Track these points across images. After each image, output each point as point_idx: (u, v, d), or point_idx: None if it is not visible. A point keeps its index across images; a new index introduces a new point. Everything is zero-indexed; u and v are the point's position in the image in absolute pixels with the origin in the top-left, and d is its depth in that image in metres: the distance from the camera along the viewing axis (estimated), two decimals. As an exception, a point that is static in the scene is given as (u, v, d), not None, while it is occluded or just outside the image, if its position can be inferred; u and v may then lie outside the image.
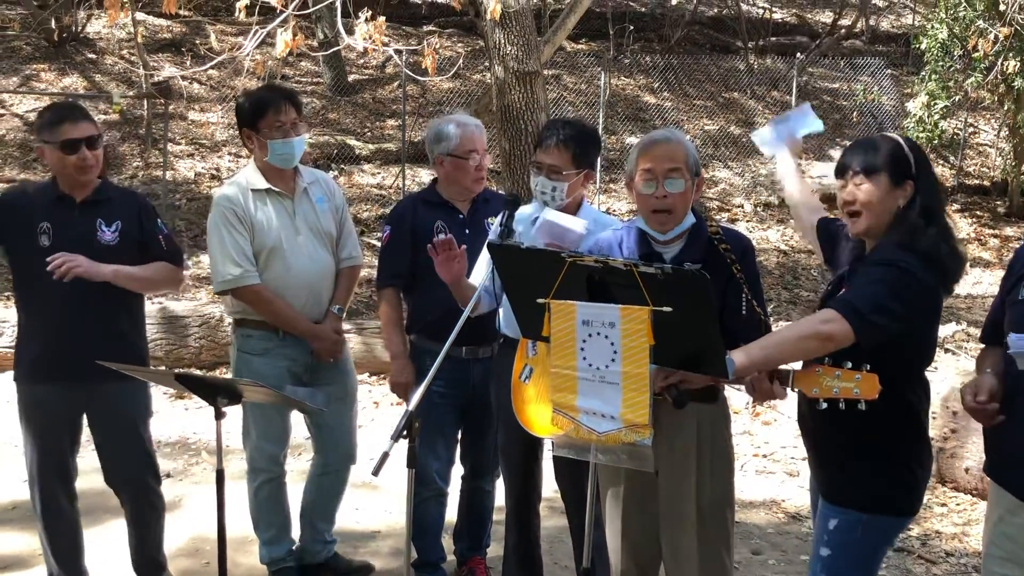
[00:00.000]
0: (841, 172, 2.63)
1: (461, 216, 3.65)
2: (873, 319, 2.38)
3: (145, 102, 11.58)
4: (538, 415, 2.93)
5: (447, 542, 3.96)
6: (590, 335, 2.27)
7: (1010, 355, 2.33)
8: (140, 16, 11.85)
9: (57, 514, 3.50)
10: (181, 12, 11.27)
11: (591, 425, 2.35)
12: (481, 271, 3.34)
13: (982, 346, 2.75)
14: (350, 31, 6.89)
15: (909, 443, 2.60)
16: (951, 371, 5.89)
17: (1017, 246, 12.88)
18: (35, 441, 3.43)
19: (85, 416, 3.48)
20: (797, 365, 2.53)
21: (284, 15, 6.32)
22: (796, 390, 2.44)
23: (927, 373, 2.69)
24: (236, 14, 5.94)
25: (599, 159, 12.15)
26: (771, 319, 3.10)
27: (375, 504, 4.72)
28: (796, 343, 2.42)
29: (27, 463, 3.49)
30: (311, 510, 3.87)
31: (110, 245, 3.35)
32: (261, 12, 6.95)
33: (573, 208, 3.33)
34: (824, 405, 2.37)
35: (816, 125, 3.28)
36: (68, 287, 3.20)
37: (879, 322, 2.39)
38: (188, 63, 8.67)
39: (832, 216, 2.98)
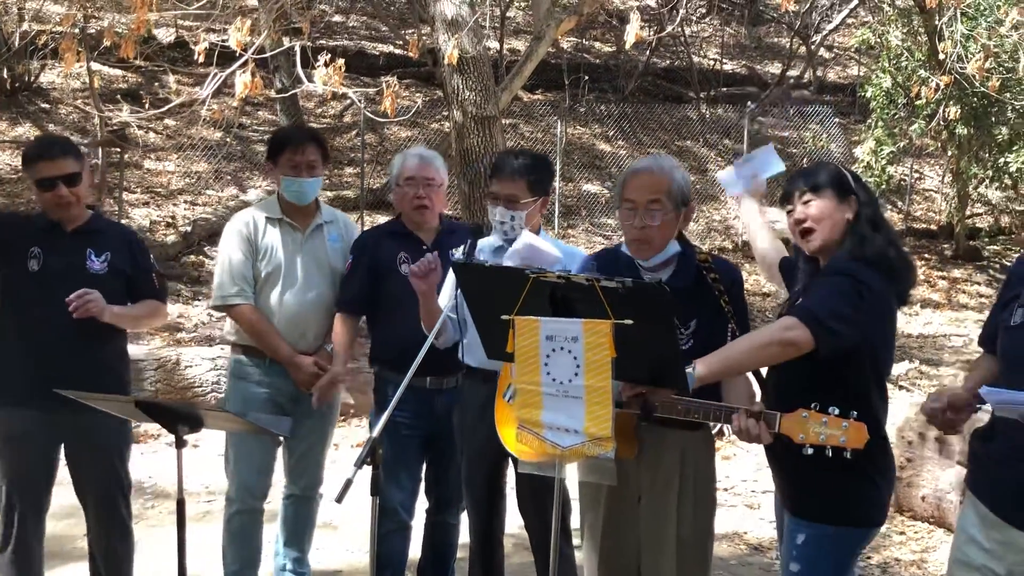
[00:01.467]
0: (788, 198, 2.72)
1: (425, 247, 3.66)
2: (832, 326, 2.44)
3: (100, 150, 11.50)
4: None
5: (411, 578, 3.92)
6: (553, 350, 2.30)
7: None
8: (96, 66, 11.82)
9: (25, 554, 3.40)
10: (137, 61, 11.27)
11: (555, 440, 2.37)
12: (444, 299, 3.36)
13: (955, 367, 2.78)
14: (309, 79, 6.96)
15: (873, 454, 2.59)
16: (905, 404, 5.99)
17: (968, 284, 13.04)
18: (10, 473, 3.36)
19: (62, 449, 3.44)
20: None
21: (244, 59, 6.36)
22: (782, 434, 2.43)
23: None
24: (196, 57, 5.96)
25: (557, 205, 12.32)
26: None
27: (336, 544, 4.66)
28: (758, 350, 2.48)
29: None
30: (280, 539, 3.87)
31: (98, 275, 3.36)
32: (219, 61, 6.99)
33: None
34: (810, 451, 2.38)
35: (779, 167, 3.36)
36: (59, 314, 3.21)
37: (837, 329, 2.44)
38: (147, 107, 8.67)
39: (790, 256, 3.06)
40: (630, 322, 2.22)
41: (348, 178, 12.98)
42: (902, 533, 5.02)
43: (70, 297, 3.19)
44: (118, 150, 11.28)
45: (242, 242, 3.65)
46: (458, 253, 3.36)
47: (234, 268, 3.64)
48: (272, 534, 3.92)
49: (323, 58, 6.24)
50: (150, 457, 5.97)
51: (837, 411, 2.35)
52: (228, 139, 12.66)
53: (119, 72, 14.02)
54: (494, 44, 15.13)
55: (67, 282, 3.27)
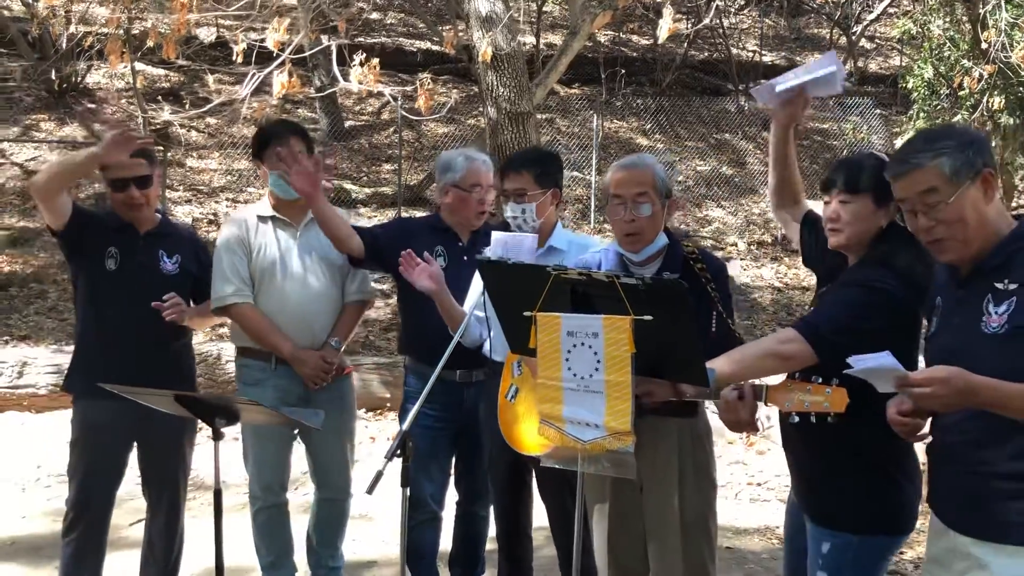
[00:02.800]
0: (827, 187, 2.67)
1: (461, 244, 3.71)
2: (833, 340, 2.43)
3: (144, 149, 11.73)
4: (525, 433, 2.99)
5: (443, 571, 3.98)
6: (575, 345, 2.35)
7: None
8: (139, 66, 12.06)
9: (89, 544, 3.53)
10: (179, 60, 11.47)
11: (576, 434, 2.42)
12: (472, 297, 3.42)
13: None
14: (347, 77, 7.07)
15: (894, 458, 2.60)
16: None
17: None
18: (86, 460, 3.50)
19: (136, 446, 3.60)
20: (772, 380, 2.59)
21: (281, 59, 6.48)
22: (769, 404, 2.48)
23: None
24: (234, 58, 6.08)
25: (593, 200, 12.34)
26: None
27: (371, 534, 4.75)
28: (761, 360, 2.51)
29: (71, 492, 3.54)
30: (313, 538, 3.91)
31: (171, 275, 3.54)
32: (259, 60, 7.13)
33: (548, 231, 3.44)
34: (796, 419, 2.43)
35: (834, 87, 2.87)
36: (136, 312, 3.40)
37: (839, 342, 2.40)
38: (187, 107, 8.85)
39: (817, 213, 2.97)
40: (650, 318, 2.27)
41: (386, 175, 13.10)
42: (936, 528, 4.98)
43: (166, 302, 3.38)
44: (161, 149, 11.51)
45: (235, 242, 3.66)
46: (487, 252, 3.40)
47: (229, 268, 3.64)
48: (300, 522, 3.96)
49: (359, 57, 6.34)
50: (192, 450, 6.11)
51: (820, 379, 2.39)
52: (268, 137, 12.83)
53: (161, 72, 14.29)
54: (530, 39, 15.17)
55: (142, 283, 3.46)
